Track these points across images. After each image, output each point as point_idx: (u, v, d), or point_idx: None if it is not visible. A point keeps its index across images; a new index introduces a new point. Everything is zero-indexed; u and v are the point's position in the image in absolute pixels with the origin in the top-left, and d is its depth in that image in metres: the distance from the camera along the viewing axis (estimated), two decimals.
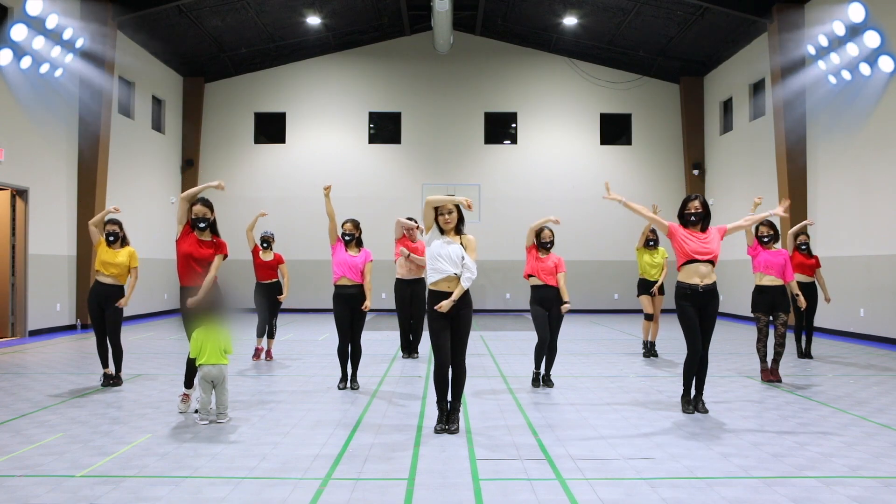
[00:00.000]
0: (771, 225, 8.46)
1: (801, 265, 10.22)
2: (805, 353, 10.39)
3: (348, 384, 7.78)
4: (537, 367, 7.98)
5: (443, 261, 5.71)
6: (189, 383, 6.66)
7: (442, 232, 5.83)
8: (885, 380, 8.50)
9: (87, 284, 14.56)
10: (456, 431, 5.69)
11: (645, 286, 10.37)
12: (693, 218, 6.48)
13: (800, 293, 8.54)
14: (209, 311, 6.27)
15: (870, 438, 5.56)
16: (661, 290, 10.34)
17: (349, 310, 7.63)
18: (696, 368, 6.50)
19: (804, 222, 10.63)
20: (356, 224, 7.85)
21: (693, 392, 6.62)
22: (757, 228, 8.45)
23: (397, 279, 10.19)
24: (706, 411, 6.50)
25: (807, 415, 6.45)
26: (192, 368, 6.56)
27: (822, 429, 5.90)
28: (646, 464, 4.85)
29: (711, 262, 6.43)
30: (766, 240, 8.40)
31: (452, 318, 5.75)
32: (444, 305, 5.67)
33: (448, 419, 5.77)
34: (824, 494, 4.22)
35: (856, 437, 5.62)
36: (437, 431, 5.70)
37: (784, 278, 8.33)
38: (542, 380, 7.98)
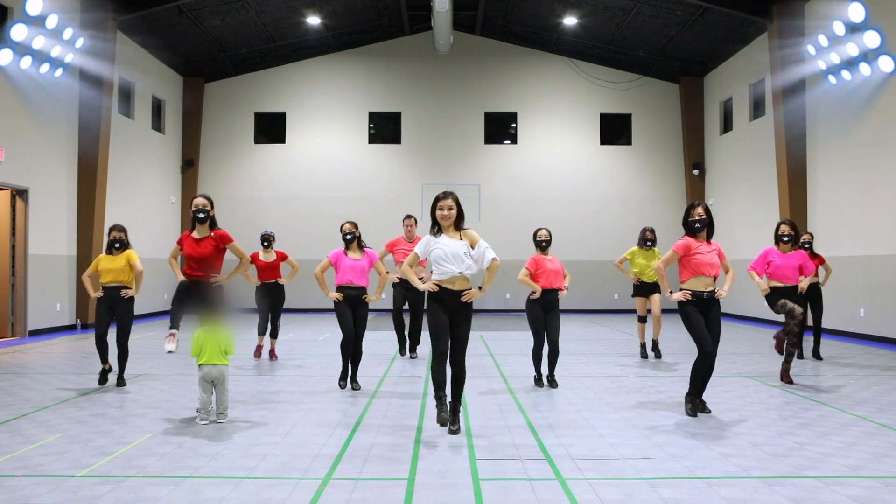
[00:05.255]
0: (793, 225, 8.34)
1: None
2: (814, 354, 10.31)
3: (349, 383, 7.78)
4: (538, 370, 8.01)
5: (446, 262, 5.60)
6: (174, 324, 6.65)
7: (439, 229, 5.73)
8: (885, 380, 8.50)
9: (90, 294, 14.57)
10: (457, 432, 5.66)
11: (642, 288, 10.24)
12: (697, 224, 6.47)
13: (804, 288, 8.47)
14: (210, 311, 6.27)
15: (870, 438, 5.56)
16: (658, 289, 10.19)
17: (351, 309, 7.65)
18: (705, 370, 6.45)
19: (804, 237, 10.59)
20: (355, 224, 7.85)
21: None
22: (778, 227, 8.36)
23: (398, 279, 10.18)
24: (708, 411, 6.49)
25: (807, 415, 6.45)
26: (176, 313, 6.62)
27: (822, 429, 5.89)
28: (646, 464, 4.85)
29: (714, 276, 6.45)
30: (786, 239, 8.25)
31: (452, 315, 5.67)
32: (473, 294, 5.60)
33: (450, 420, 5.71)
34: (824, 494, 4.22)
35: (856, 437, 5.62)
36: (440, 423, 5.61)
37: (805, 275, 8.31)
38: (546, 380, 8.00)
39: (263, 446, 5.30)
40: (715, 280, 6.48)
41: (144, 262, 8.20)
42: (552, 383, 7.95)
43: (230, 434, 5.68)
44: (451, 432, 5.65)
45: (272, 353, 10.12)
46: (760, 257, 8.34)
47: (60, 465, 4.78)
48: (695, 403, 6.48)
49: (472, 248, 5.66)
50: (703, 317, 6.41)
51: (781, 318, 8.50)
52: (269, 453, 5.11)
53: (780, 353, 8.26)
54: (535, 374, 8.08)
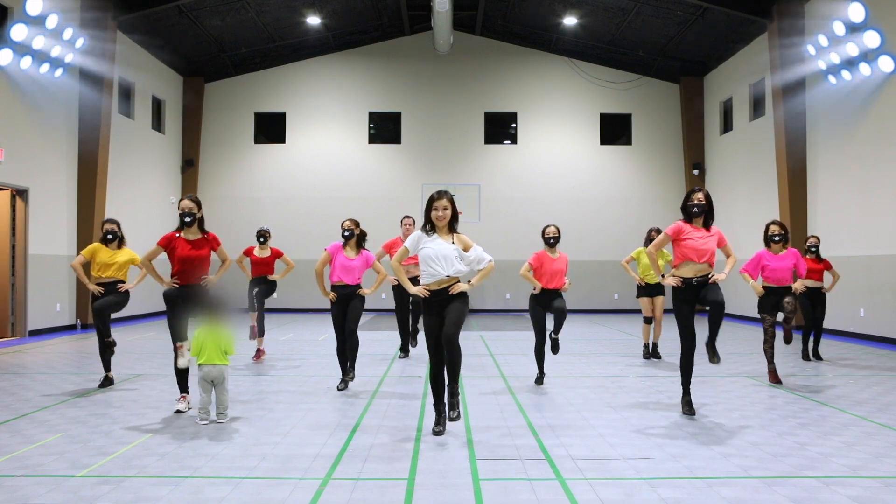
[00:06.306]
0: (783, 225, 8.22)
1: (810, 270, 9.80)
2: (814, 354, 10.28)
3: (346, 376, 7.76)
4: (540, 369, 8.02)
5: (435, 263, 5.56)
6: (183, 387, 6.65)
7: (433, 229, 5.69)
8: (884, 380, 8.49)
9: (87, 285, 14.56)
10: (457, 418, 5.55)
11: (645, 289, 10.25)
12: (696, 210, 6.40)
13: (801, 288, 8.35)
14: (209, 311, 6.28)
15: (870, 438, 5.56)
16: (662, 291, 10.22)
17: (344, 309, 7.66)
18: (692, 368, 6.47)
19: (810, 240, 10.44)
20: (356, 222, 7.85)
21: (708, 338, 6.51)
22: (767, 227, 8.25)
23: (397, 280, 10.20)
24: (718, 361, 6.42)
25: (807, 415, 6.45)
26: (182, 373, 6.59)
27: (822, 429, 5.89)
28: (646, 464, 4.85)
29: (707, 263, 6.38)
30: (776, 239, 8.14)
31: (443, 310, 5.61)
32: (459, 287, 5.56)
33: (448, 405, 5.61)
34: (824, 494, 4.22)
35: (856, 437, 5.62)
36: (434, 433, 5.65)
37: (799, 275, 8.15)
38: (548, 337, 8.00)
39: (263, 446, 5.30)
40: (710, 267, 6.40)
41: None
42: (554, 347, 8.02)
43: (230, 434, 5.68)
44: (450, 419, 5.56)
45: (260, 351, 10.07)
46: (753, 261, 8.22)
47: (60, 465, 4.78)
48: (689, 402, 6.50)
49: (465, 251, 5.64)
50: (697, 299, 6.34)
51: (779, 319, 8.39)
52: (269, 453, 5.11)
53: (773, 380, 8.09)
54: (537, 372, 8.08)
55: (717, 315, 6.35)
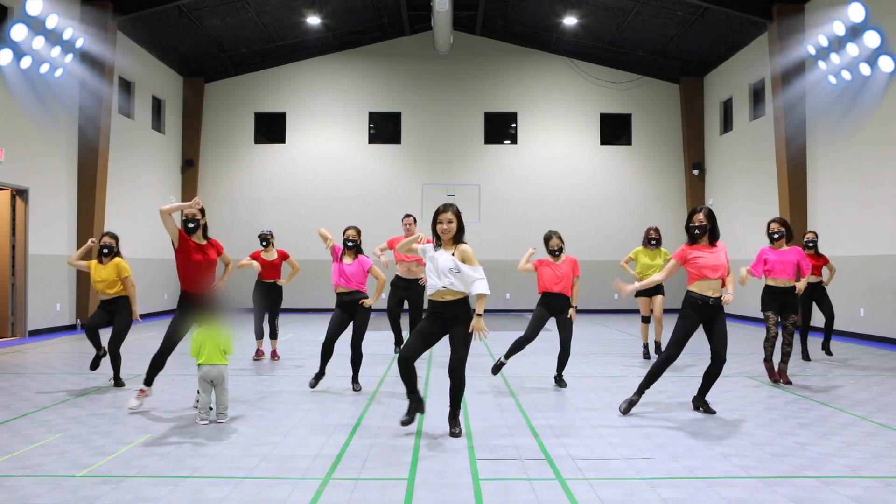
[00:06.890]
0: (783, 222, 8.18)
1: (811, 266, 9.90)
2: (824, 348, 10.35)
3: (317, 381, 7.67)
4: (507, 356, 7.87)
5: (431, 275, 5.56)
6: (149, 381, 6.62)
7: (440, 243, 5.64)
8: (884, 380, 8.49)
9: (88, 285, 14.60)
10: (458, 435, 5.58)
11: (645, 289, 10.20)
12: (697, 231, 6.37)
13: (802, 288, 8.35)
14: (209, 312, 6.29)
15: (870, 438, 5.56)
16: (661, 291, 10.20)
17: (345, 313, 7.67)
18: (663, 371, 6.43)
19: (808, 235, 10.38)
20: (359, 231, 7.87)
21: (697, 393, 6.64)
22: (769, 225, 8.22)
23: (396, 276, 10.16)
24: (713, 412, 6.48)
25: (807, 415, 6.45)
26: (155, 367, 6.61)
27: (822, 429, 5.89)
28: (646, 464, 4.85)
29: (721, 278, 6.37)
30: (776, 236, 8.10)
31: (445, 329, 5.60)
32: (480, 328, 5.51)
33: (450, 423, 5.69)
34: (824, 494, 4.22)
35: (856, 437, 5.62)
36: (402, 423, 5.65)
37: (802, 274, 8.12)
38: (554, 380, 8.03)
39: (263, 446, 5.30)
40: (724, 283, 6.38)
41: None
42: (560, 383, 7.94)
43: (230, 434, 5.69)
44: (453, 435, 5.61)
45: (274, 354, 10.13)
46: (757, 258, 8.22)
47: (60, 465, 4.78)
48: (638, 397, 6.52)
49: (462, 261, 5.49)
50: (707, 324, 6.36)
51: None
52: (269, 453, 5.11)
53: (773, 380, 8.15)
54: (502, 358, 7.91)
55: (716, 372, 6.47)
